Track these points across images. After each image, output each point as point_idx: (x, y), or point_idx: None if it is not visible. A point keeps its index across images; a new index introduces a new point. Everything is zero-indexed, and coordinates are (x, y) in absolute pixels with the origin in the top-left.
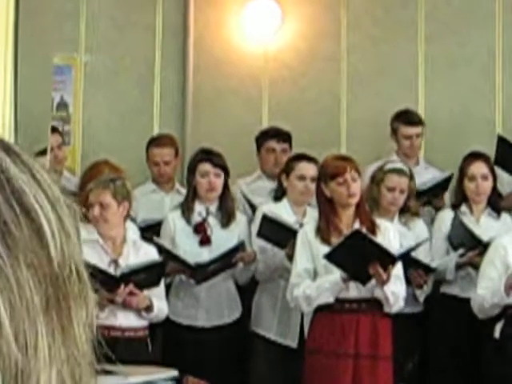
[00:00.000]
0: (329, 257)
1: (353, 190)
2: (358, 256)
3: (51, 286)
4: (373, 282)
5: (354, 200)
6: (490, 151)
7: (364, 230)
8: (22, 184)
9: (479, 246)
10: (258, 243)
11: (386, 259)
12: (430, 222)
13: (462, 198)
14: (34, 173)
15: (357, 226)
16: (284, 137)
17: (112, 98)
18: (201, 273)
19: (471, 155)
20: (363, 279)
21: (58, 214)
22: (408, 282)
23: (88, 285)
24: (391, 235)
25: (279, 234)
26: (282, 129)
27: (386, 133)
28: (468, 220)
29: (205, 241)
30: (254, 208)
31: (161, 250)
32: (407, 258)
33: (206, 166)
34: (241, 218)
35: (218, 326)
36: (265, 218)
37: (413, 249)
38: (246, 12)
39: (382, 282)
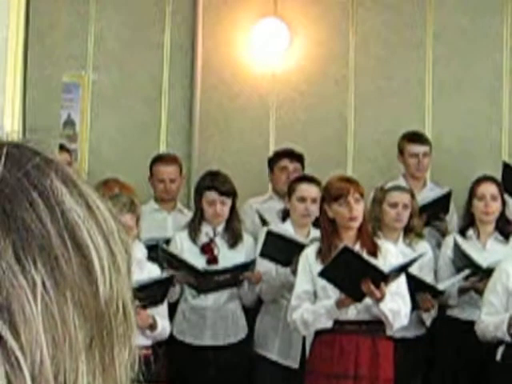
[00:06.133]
0: (322, 274)
1: (355, 213)
2: (351, 273)
3: (96, 324)
4: (371, 301)
5: (356, 223)
6: (496, 173)
7: (357, 248)
8: (77, 217)
9: (480, 271)
10: (262, 263)
11: (377, 276)
12: (436, 246)
13: (469, 222)
14: (90, 204)
15: (357, 247)
16: (297, 157)
17: (119, 117)
18: (207, 281)
19: (481, 177)
20: (358, 297)
21: (111, 249)
22: (414, 305)
23: (134, 324)
24: (392, 257)
25: (284, 251)
26: (295, 150)
27: (393, 154)
28: (474, 244)
29: (212, 260)
30: (267, 225)
31: (163, 267)
32: (417, 282)
33: (212, 195)
34: (247, 239)
35: (223, 345)
36: (270, 233)
37: (408, 264)
38: (255, 33)
39: (377, 300)
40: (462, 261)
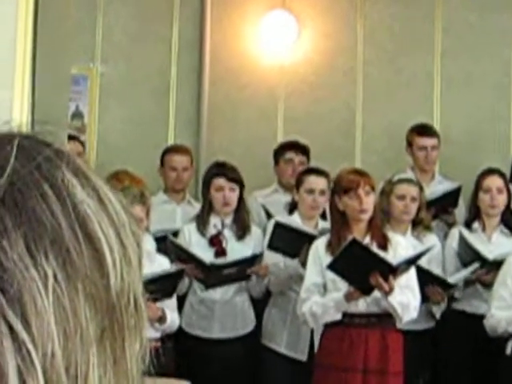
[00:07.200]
0: (331, 267)
1: (365, 206)
2: (359, 266)
3: (107, 316)
4: (380, 294)
5: (366, 215)
6: (504, 167)
7: (367, 240)
8: (88, 210)
9: (486, 264)
10: (270, 255)
11: (386, 269)
12: (444, 238)
13: (475, 214)
14: (102, 197)
15: (367, 240)
16: (302, 149)
17: (127, 109)
18: (214, 275)
19: (487, 170)
20: (366, 290)
21: (122, 242)
22: (423, 297)
23: (144, 316)
24: (402, 250)
25: (292, 242)
26: (301, 142)
27: (401, 147)
28: (479, 237)
29: (220, 253)
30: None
31: (172, 260)
32: (427, 275)
33: (220, 181)
34: (256, 231)
35: (231, 338)
36: (278, 224)
37: (417, 257)
38: (263, 25)
39: (385, 293)
40: (468, 253)
